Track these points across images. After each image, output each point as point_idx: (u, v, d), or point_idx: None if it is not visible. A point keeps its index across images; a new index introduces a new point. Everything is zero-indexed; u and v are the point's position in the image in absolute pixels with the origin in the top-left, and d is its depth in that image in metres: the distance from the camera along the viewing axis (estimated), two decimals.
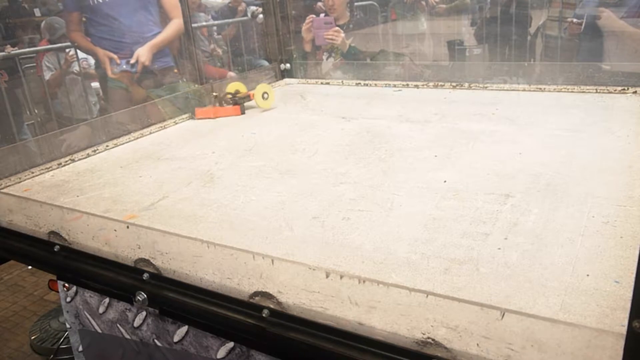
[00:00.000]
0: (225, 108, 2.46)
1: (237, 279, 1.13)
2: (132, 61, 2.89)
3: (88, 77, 3.70)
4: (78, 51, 3.49)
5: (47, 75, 3.87)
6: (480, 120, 2.03)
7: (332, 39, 2.95)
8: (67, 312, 1.53)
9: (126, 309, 1.38)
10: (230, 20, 4.68)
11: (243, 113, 2.43)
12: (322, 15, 3.06)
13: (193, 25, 3.18)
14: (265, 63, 3.34)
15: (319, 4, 3.38)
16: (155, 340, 1.34)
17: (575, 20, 2.57)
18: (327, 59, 3.08)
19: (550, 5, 2.92)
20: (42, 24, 3.97)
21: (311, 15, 3.03)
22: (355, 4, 3.32)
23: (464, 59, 3.17)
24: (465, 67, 2.70)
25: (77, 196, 1.59)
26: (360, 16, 3.32)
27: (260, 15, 3.15)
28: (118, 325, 1.41)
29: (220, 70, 4.22)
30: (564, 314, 0.87)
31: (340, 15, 3.14)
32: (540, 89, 2.40)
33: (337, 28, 2.95)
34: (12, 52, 3.37)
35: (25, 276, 4.10)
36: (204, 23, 4.50)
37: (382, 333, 0.95)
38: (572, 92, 2.33)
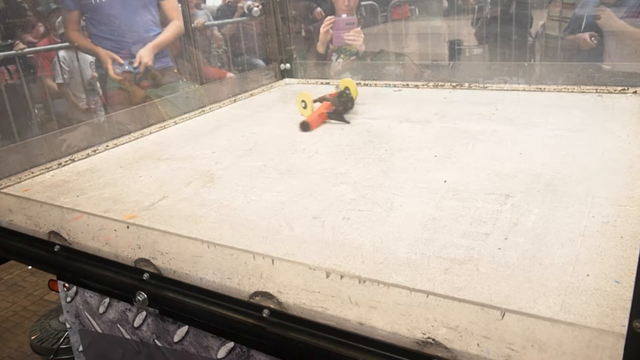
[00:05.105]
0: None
1: (238, 279, 1.13)
2: (135, 64, 2.88)
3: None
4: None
5: (59, 76, 3.81)
6: (480, 120, 2.03)
7: (353, 40, 2.89)
8: (67, 312, 1.53)
9: (126, 309, 1.38)
10: (230, 20, 4.67)
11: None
12: (343, 15, 3.01)
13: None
14: (261, 62, 3.32)
15: (319, 9, 3.35)
16: (156, 340, 1.34)
17: (592, 38, 2.55)
18: (336, 59, 3.06)
19: (550, 5, 2.92)
20: (57, 21, 3.94)
21: (331, 16, 2.96)
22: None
23: (464, 59, 3.17)
24: (465, 67, 2.70)
25: (77, 196, 1.59)
26: (362, 16, 3.31)
27: (256, 8, 3.12)
28: (118, 325, 1.41)
29: (220, 71, 4.21)
30: (564, 314, 0.87)
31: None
32: (541, 89, 2.40)
33: (358, 29, 2.90)
34: (25, 49, 3.36)
35: (25, 276, 4.10)
36: (207, 23, 4.50)
37: (383, 333, 0.96)
38: (572, 92, 2.33)
